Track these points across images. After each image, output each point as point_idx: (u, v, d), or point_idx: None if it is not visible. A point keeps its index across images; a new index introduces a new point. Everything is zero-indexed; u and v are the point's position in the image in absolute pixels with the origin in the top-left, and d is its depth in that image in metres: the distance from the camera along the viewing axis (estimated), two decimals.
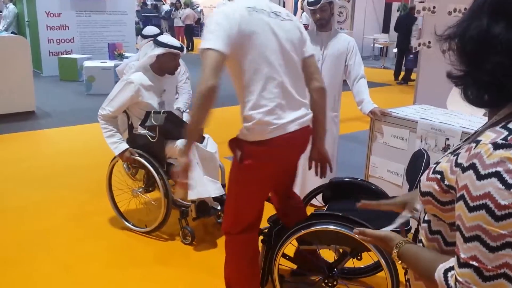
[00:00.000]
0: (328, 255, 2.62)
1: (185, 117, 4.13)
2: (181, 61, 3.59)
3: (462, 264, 0.87)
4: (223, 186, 3.25)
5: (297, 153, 2.24)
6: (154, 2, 18.87)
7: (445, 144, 2.90)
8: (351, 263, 2.51)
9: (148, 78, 3.23)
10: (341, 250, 2.42)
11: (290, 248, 2.39)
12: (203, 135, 3.46)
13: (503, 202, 0.82)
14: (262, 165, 2.11)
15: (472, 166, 0.87)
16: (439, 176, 0.99)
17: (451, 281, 0.90)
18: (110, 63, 8.55)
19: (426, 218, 1.09)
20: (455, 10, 4.02)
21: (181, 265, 3.00)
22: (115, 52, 8.79)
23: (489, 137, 0.88)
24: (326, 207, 2.53)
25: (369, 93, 3.42)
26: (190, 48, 16.05)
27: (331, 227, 2.17)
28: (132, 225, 3.43)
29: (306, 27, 3.27)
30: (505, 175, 0.82)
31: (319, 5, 3.36)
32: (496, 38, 0.88)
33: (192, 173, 3.01)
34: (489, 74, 0.89)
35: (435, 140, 2.95)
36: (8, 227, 3.46)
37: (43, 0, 9.95)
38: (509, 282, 0.83)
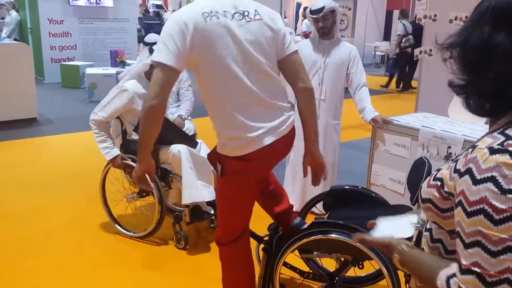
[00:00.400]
0: (329, 263, 2.61)
1: (187, 124, 4.13)
2: None
3: (464, 271, 0.87)
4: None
5: (280, 157, 2.15)
6: (156, 10, 18.93)
7: (447, 152, 2.89)
8: (352, 272, 2.50)
9: (142, 86, 3.24)
10: (342, 259, 2.40)
11: (291, 256, 2.38)
12: (196, 140, 3.50)
13: (501, 206, 0.81)
14: (244, 178, 2.06)
15: (468, 171, 0.87)
16: (439, 183, 0.99)
17: None
18: (112, 70, 8.57)
19: (428, 226, 1.09)
20: (456, 18, 4.03)
21: (174, 269, 3.01)
22: (117, 59, 8.81)
23: (485, 142, 0.88)
24: (327, 215, 2.51)
25: (371, 101, 3.42)
26: None
27: (332, 235, 2.16)
28: (126, 230, 3.43)
29: (307, 35, 3.28)
30: (500, 180, 0.82)
31: (321, 13, 3.38)
32: (498, 47, 0.87)
33: (185, 177, 3.05)
34: (492, 83, 0.89)
35: (437, 148, 2.94)
36: (9, 231, 3.47)
37: (45, 7, 10.00)
38: None
